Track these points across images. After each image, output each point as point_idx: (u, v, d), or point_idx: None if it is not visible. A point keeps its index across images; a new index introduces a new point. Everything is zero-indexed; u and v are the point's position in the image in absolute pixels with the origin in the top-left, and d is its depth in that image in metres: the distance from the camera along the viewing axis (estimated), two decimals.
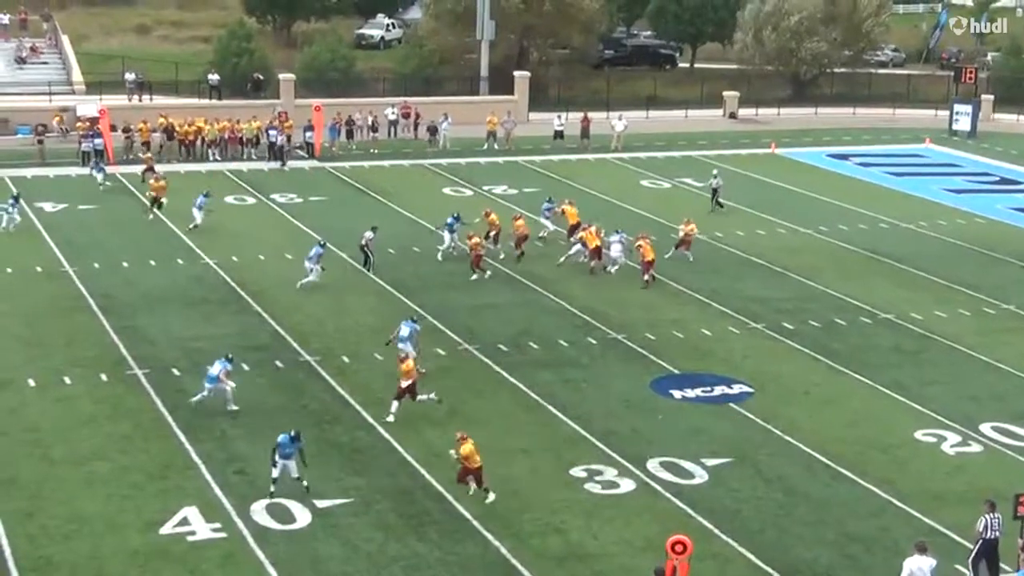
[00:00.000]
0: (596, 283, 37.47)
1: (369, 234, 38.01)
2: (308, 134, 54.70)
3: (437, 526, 22.61)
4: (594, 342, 32.55)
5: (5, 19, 75.62)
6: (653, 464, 25.38)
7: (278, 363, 30.36)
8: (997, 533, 20.92)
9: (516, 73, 67.28)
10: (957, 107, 66.84)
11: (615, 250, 38.41)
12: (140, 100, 63.30)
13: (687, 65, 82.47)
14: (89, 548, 21.50)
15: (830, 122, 68.96)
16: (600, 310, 34.88)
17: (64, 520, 22.38)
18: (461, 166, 54.30)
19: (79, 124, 53.69)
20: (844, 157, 59.61)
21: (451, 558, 21.59)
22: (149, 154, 50.64)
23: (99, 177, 47.60)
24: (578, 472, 24.92)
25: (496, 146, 57.72)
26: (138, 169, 49.06)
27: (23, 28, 75.57)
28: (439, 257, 39.12)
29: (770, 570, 21.60)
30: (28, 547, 21.46)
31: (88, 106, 57.75)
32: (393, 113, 59.87)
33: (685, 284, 37.51)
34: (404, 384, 26.94)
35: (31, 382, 28.65)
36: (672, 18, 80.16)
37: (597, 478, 24.71)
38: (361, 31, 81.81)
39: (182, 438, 25.88)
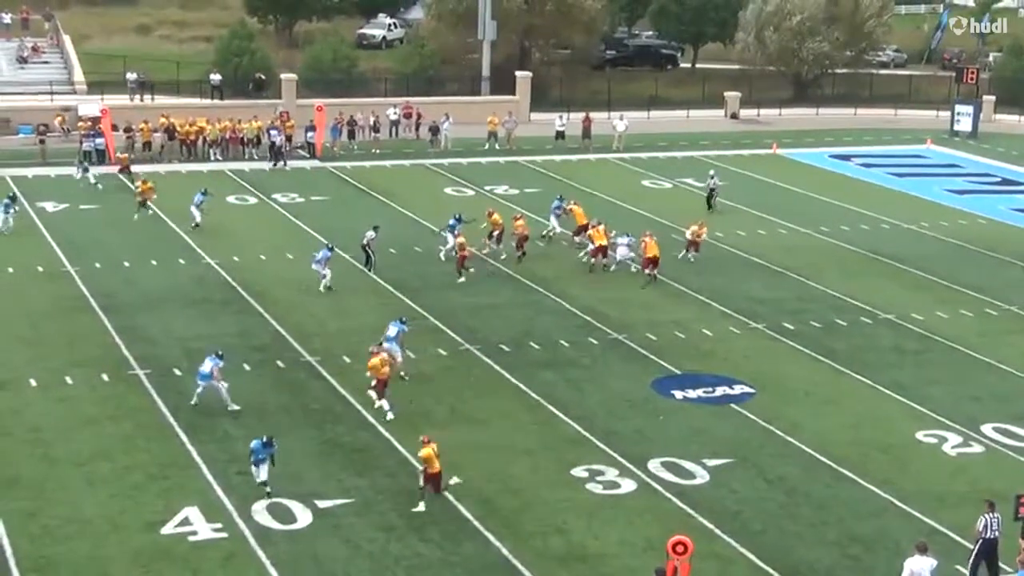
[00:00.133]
0: (597, 283, 37.46)
1: (371, 234, 38.01)
2: (310, 134, 54.76)
3: (438, 526, 22.60)
4: (595, 342, 32.55)
5: (7, 19, 75.71)
6: (654, 464, 25.38)
7: (279, 363, 30.36)
8: (997, 533, 20.95)
9: (518, 73, 67.27)
10: (958, 108, 66.81)
11: (621, 252, 38.43)
12: (142, 100, 63.28)
13: (689, 65, 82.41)
14: (90, 548, 21.52)
15: (832, 123, 68.87)
16: (601, 310, 34.88)
17: (65, 520, 22.38)
18: (462, 166, 54.30)
19: (81, 124, 53.74)
20: (846, 158, 59.59)
21: (453, 558, 21.59)
22: (125, 155, 50.65)
23: (91, 178, 47.50)
24: (579, 472, 24.92)
25: (497, 146, 57.71)
26: (138, 170, 49.09)
27: (25, 28, 75.63)
28: (441, 257, 39.09)
29: (771, 570, 21.60)
30: (29, 547, 21.48)
31: (90, 106, 57.78)
32: (395, 113, 59.85)
33: (686, 284, 37.50)
34: (381, 379, 27.20)
35: (32, 382, 28.66)
36: (674, 18, 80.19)
37: (598, 478, 24.71)
38: (363, 31, 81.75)
39: (183, 438, 25.89)
